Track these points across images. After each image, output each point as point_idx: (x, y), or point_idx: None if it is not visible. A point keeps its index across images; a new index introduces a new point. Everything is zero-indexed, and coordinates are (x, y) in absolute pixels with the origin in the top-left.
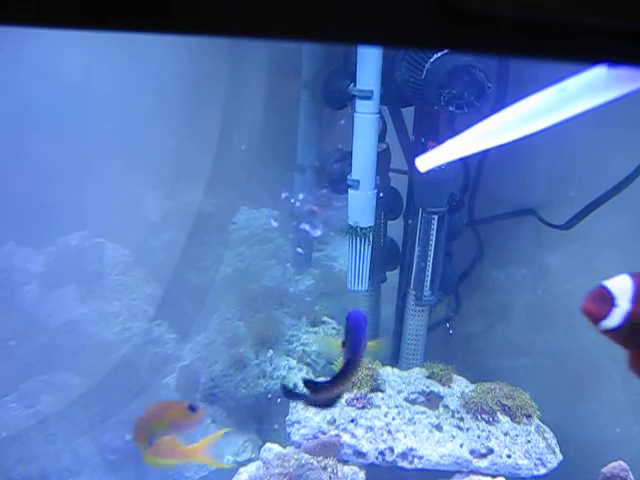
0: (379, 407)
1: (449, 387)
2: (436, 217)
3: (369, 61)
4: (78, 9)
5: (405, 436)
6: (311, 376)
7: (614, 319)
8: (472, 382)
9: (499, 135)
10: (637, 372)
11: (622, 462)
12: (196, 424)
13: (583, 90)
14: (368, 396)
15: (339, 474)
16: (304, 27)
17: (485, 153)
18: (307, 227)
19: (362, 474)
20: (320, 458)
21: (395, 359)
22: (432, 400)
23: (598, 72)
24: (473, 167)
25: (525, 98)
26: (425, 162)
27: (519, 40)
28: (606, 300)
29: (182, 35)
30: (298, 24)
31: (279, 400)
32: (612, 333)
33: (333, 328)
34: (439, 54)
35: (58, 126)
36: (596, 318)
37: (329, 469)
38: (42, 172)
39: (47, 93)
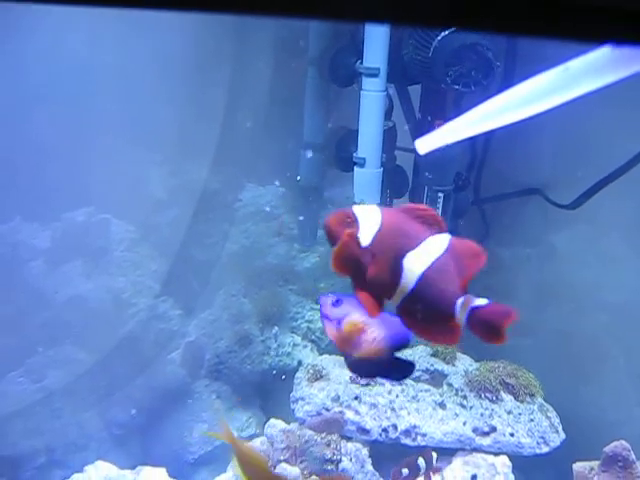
0: (383, 385)
1: (453, 365)
2: (442, 195)
3: (376, 39)
4: None
5: (409, 413)
6: (315, 354)
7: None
8: (476, 361)
9: (501, 117)
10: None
11: (624, 442)
12: None
13: (587, 70)
14: None
15: (342, 450)
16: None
17: (491, 132)
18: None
19: (365, 451)
20: (324, 434)
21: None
22: (436, 378)
23: (602, 52)
24: (479, 146)
25: (530, 78)
26: (425, 144)
27: (529, 17)
28: (348, 223)
29: (181, 11)
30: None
31: (283, 377)
32: (346, 260)
33: None
34: (446, 32)
35: (64, 104)
36: (335, 239)
37: (332, 445)
38: (48, 149)
39: (52, 71)
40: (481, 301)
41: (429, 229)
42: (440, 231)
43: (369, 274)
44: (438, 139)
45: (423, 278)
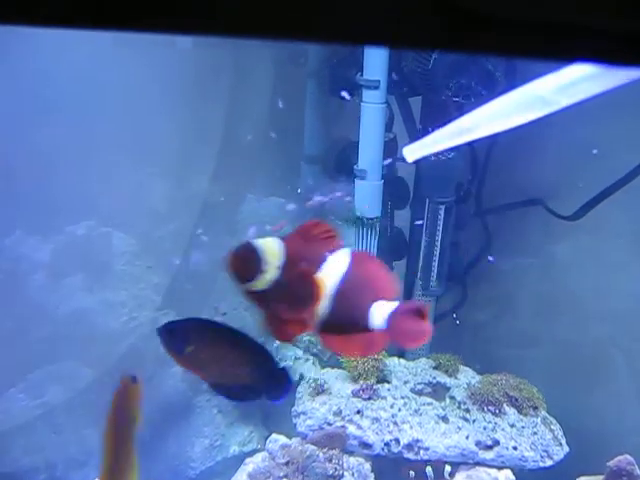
0: (385, 398)
1: (455, 378)
2: (443, 207)
3: (376, 51)
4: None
5: (411, 427)
6: (317, 367)
7: (260, 284)
8: (479, 373)
9: (488, 125)
10: (271, 331)
11: (628, 456)
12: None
13: (580, 79)
14: (374, 387)
15: (344, 465)
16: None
17: (493, 142)
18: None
19: (368, 465)
20: (326, 449)
21: (402, 349)
22: (438, 391)
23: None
24: (481, 157)
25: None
26: (412, 152)
27: (511, 40)
28: (253, 262)
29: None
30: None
31: None
32: (254, 295)
33: None
34: None
35: (65, 117)
36: (241, 279)
37: (334, 460)
38: (49, 162)
39: (54, 86)
40: (392, 305)
41: (328, 247)
42: (338, 247)
43: (284, 304)
44: (426, 147)
45: (335, 297)
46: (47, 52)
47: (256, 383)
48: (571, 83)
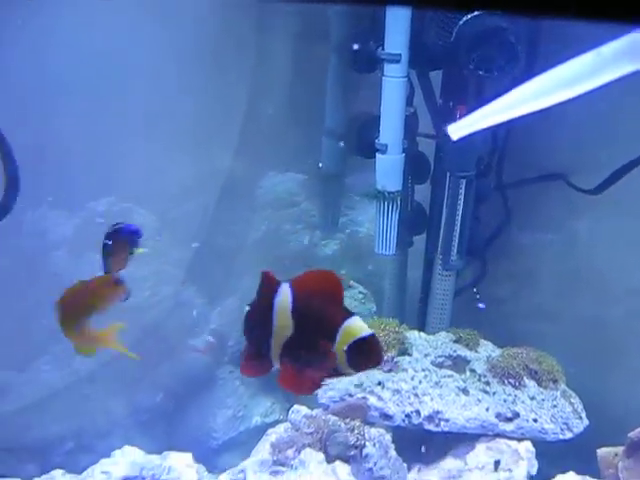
0: (406, 370)
1: (476, 351)
2: (464, 181)
3: (398, 24)
4: None
5: (432, 399)
6: None
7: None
8: (499, 347)
9: (533, 102)
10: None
11: None
12: (118, 298)
13: (619, 55)
14: (395, 359)
15: (366, 436)
16: None
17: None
18: None
19: (388, 436)
20: (347, 420)
21: (422, 323)
22: (459, 364)
23: (634, 37)
24: (502, 131)
25: (557, 63)
26: (457, 130)
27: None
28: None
29: None
30: None
31: None
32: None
33: (360, 292)
34: (469, 16)
35: (85, 92)
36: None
37: (356, 431)
38: (71, 137)
39: (74, 60)
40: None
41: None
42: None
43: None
44: (470, 125)
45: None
46: (68, 28)
47: None
48: (613, 58)
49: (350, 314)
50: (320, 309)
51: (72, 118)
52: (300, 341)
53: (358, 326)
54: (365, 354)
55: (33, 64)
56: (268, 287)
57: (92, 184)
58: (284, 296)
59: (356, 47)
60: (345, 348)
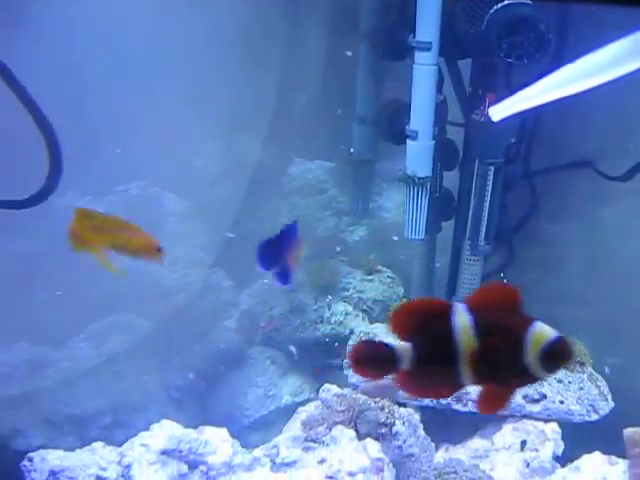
0: None
1: None
2: (492, 168)
3: (428, 13)
4: None
5: None
6: (366, 323)
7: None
8: None
9: (570, 85)
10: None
11: None
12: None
13: None
14: None
15: (395, 414)
16: None
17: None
18: None
19: (417, 415)
20: (377, 399)
21: None
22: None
23: None
24: (530, 119)
25: (587, 51)
26: (498, 111)
27: None
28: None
29: None
30: None
31: (336, 344)
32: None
33: (388, 277)
34: (500, 4)
35: (118, 78)
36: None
37: (386, 409)
38: (99, 122)
39: (106, 44)
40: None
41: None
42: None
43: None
44: (511, 107)
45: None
46: (106, 14)
47: None
48: None
49: (532, 320)
50: (502, 322)
51: (103, 104)
52: (489, 358)
53: (545, 330)
54: (558, 355)
55: (66, 48)
56: (440, 310)
57: (122, 169)
58: (462, 316)
59: (387, 35)
60: (538, 354)
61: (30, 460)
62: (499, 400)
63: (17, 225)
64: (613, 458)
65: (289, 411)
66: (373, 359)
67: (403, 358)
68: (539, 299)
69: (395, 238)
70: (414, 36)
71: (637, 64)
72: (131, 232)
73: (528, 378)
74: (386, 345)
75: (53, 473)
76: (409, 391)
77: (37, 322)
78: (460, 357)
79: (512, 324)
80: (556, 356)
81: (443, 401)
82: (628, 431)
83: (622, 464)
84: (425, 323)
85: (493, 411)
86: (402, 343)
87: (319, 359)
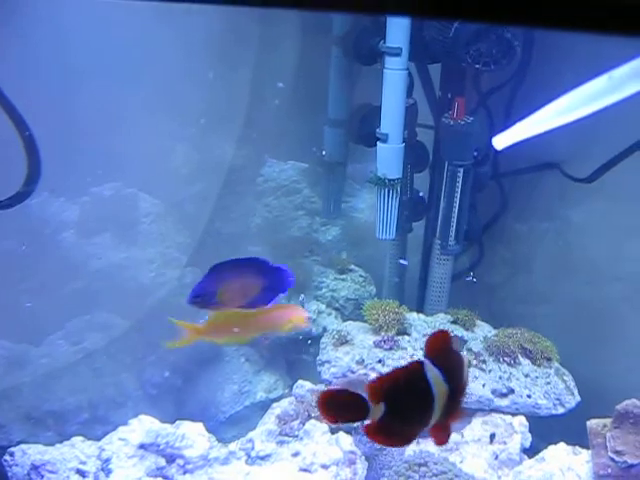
0: (405, 349)
1: (472, 332)
2: (461, 170)
3: (398, 19)
4: None
5: None
6: (339, 321)
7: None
8: (494, 328)
9: (558, 118)
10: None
11: (635, 400)
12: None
13: (629, 77)
14: (395, 338)
15: None
16: None
17: (510, 106)
18: None
19: None
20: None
21: (420, 305)
22: (456, 344)
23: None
24: (498, 121)
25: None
26: (501, 141)
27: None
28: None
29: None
30: None
31: (309, 342)
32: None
33: (360, 276)
34: None
35: (93, 82)
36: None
37: None
38: (73, 124)
39: (82, 49)
40: None
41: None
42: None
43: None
44: (514, 136)
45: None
46: (85, 23)
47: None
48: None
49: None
50: (456, 363)
51: (77, 105)
52: (453, 395)
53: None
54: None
55: (40, 51)
56: (416, 372)
57: (96, 170)
58: (432, 371)
59: (358, 40)
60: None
61: (11, 455)
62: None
63: None
64: (577, 448)
65: (263, 407)
66: (343, 408)
67: (374, 411)
68: (507, 297)
69: (356, 233)
70: (384, 41)
71: (638, 87)
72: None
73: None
74: (358, 396)
75: (34, 467)
76: (377, 441)
77: (15, 320)
78: (435, 404)
79: (460, 361)
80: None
81: None
82: (591, 422)
83: (585, 454)
84: (399, 385)
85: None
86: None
87: (291, 354)
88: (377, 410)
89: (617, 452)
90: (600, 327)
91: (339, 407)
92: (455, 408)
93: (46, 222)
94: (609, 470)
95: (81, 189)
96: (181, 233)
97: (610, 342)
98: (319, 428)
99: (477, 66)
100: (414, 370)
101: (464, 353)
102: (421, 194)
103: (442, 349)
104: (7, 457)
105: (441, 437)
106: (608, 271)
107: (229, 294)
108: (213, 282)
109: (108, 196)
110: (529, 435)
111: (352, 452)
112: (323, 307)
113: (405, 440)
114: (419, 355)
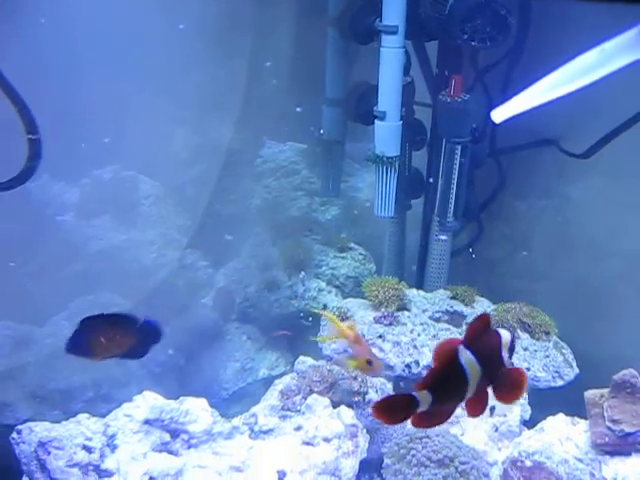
0: (405, 324)
1: (472, 307)
2: (459, 147)
3: None
4: None
5: (430, 350)
6: (340, 298)
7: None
8: (493, 303)
9: (553, 91)
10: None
11: (632, 370)
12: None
13: (620, 49)
14: (395, 314)
15: (368, 383)
16: None
17: (507, 84)
18: None
19: (389, 385)
20: (351, 369)
21: (420, 282)
22: (455, 319)
23: (634, 32)
24: (496, 98)
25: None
26: (500, 114)
27: None
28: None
29: None
30: None
31: (310, 319)
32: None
33: (360, 254)
34: None
35: (93, 66)
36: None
37: (359, 379)
38: (74, 108)
39: (82, 35)
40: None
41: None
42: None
43: None
44: (512, 109)
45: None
46: (77, 3)
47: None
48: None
49: (496, 331)
50: (488, 345)
51: (78, 90)
52: (489, 377)
53: (505, 333)
54: (513, 345)
55: (42, 37)
56: (449, 353)
57: (96, 153)
58: (465, 354)
59: (354, 19)
60: (508, 353)
61: (19, 432)
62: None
63: None
64: (575, 419)
65: (266, 384)
66: (396, 409)
67: (422, 403)
68: (506, 273)
69: (355, 212)
70: (381, 20)
71: (629, 59)
72: None
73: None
74: (408, 395)
75: (41, 444)
76: (423, 426)
77: (19, 301)
78: (469, 384)
79: (494, 343)
80: (514, 347)
81: (414, 371)
82: (589, 393)
83: (583, 424)
84: (439, 373)
85: (481, 412)
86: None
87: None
88: (425, 401)
89: (614, 421)
90: (597, 302)
91: (392, 410)
92: (486, 386)
93: (47, 204)
94: (607, 439)
95: (81, 172)
96: (181, 215)
97: (607, 316)
98: (321, 402)
99: (473, 43)
100: (448, 356)
101: (506, 331)
102: (419, 172)
103: (478, 332)
104: (14, 435)
105: (475, 409)
106: (606, 247)
107: (102, 346)
108: (86, 335)
109: (108, 179)
110: (528, 407)
111: (354, 425)
112: (323, 285)
113: (444, 420)
114: (418, 331)
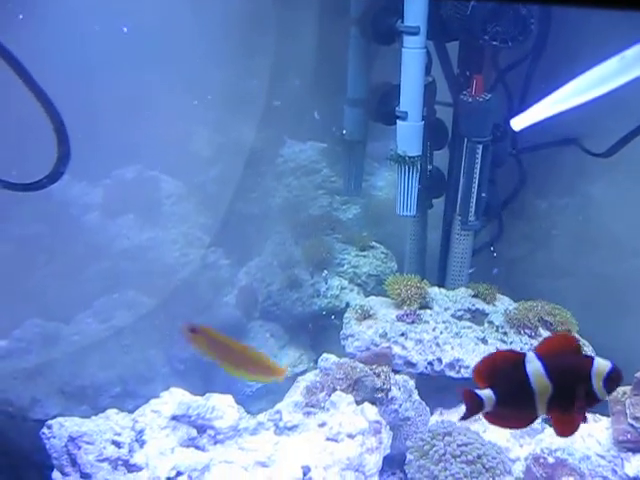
0: (427, 322)
1: (493, 305)
2: (481, 146)
3: None
4: None
5: (452, 348)
6: (362, 296)
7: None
8: (515, 301)
9: (574, 99)
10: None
11: None
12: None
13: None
14: (417, 312)
15: (391, 380)
16: None
17: (528, 83)
18: None
19: (412, 382)
20: (374, 366)
21: (442, 281)
22: (477, 317)
23: None
24: (517, 97)
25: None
26: (519, 122)
27: None
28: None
29: None
30: None
31: (333, 317)
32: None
33: (382, 252)
34: None
35: (116, 64)
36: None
37: (382, 375)
38: (96, 107)
39: (105, 32)
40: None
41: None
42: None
43: None
44: (531, 117)
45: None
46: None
47: None
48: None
49: (592, 358)
50: (569, 364)
51: (99, 88)
52: (562, 394)
53: (603, 363)
54: (616, 378)
55: (63, 33)
56: (514, 360)
57: (118, 153)
58: (534, 363)
59: (376, 20)
60: (602, 383)
61: (49, 427)
62: (573, 424)
63: (13, 209)
64: (597, 416)
65: (289, 381)
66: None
67: (487, 403)
68: (527, 271)
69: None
70: (402, 21)
71: (625, 78)
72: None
73: (593, 401)
74: (474, 393)
75: (72, 439)
76: (498, 425)
77: (46, 300)
78: (536, 398)
79: (578, 364)
80: (613, 379)
81: (437, 368)
82: None
83: (605, 421)
84: (503, 373)
85: (570, 434)
86: (486, 391)
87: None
88: (489, 400)
89: (636, 418)
90: (619, 300)
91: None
92: (572, 406)
93: (70, 205)
94: (628, 436)
95: (103, 172)
96: (203, 214)
97: (629, 315)
98: (345, 399)
99: (494, 43)
100: (514, 359)
101: (606, 361)
102: (440, 171)
103: (560, 349)
104: (45, 430)
105: (562, 429)
106: (627, 246)
107: None
108: None
109: (130, 178)
110: None
111: (377, 422)
112: (345, 283)
113: (518, 426)
114: (440, 329)
